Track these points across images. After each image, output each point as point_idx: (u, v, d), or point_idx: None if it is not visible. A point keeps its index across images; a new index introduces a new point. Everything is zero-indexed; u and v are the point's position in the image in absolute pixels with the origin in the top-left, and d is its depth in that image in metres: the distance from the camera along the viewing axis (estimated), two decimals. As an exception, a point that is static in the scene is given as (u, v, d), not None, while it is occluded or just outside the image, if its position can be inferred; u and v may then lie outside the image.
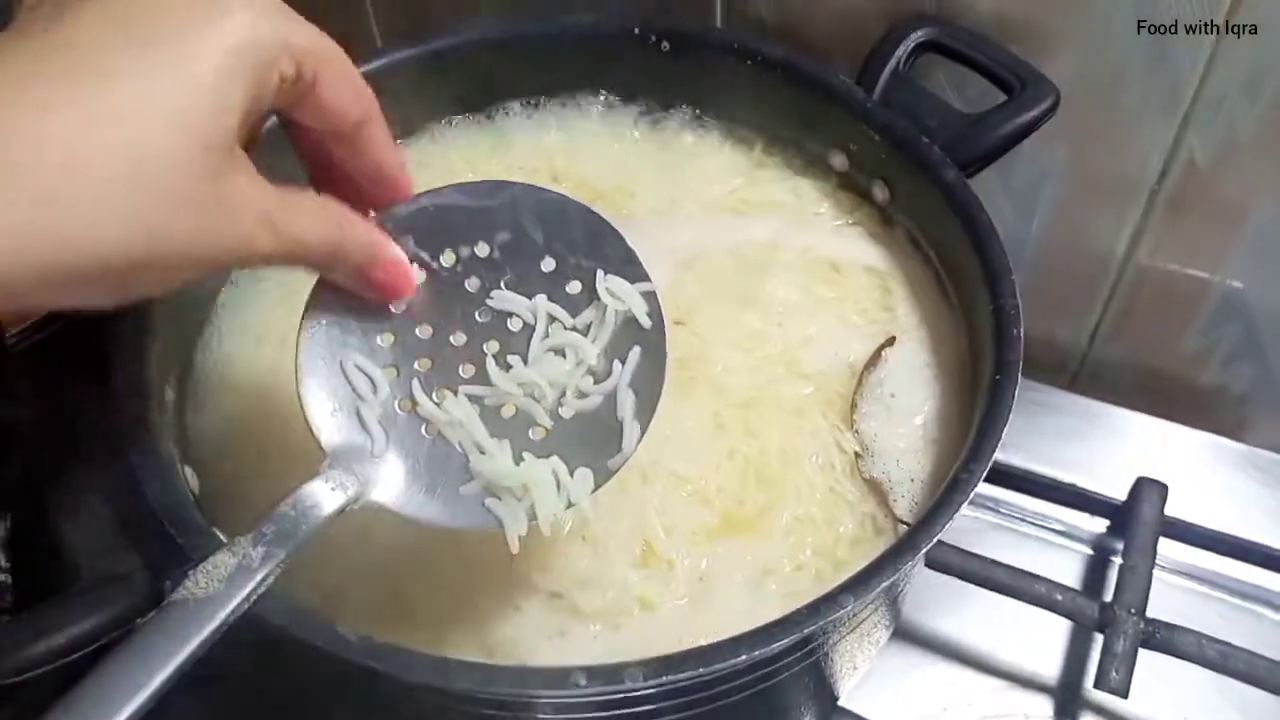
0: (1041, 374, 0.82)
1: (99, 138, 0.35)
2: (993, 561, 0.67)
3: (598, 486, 0.49)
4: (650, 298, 0.51)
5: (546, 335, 0.50)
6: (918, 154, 0.61)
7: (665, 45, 0.68)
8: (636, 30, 0.68)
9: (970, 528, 0.74)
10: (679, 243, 0.65)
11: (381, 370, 0.49)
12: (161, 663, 0.39)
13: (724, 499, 0.56)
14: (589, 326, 0.50)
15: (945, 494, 0.50)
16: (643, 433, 0.50)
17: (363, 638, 0.44)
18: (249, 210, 0.39)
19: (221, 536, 0.48)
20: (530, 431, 0.50)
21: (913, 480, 0.56)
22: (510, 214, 0.50)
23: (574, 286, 0.51)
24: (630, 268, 0.51)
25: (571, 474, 0.49)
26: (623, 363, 0.50)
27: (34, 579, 0.45)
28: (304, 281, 0.48)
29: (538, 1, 0.76)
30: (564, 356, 0.50)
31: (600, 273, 0.50)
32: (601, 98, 0.71)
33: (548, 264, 0.51)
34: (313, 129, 0.44)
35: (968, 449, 0.51)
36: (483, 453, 0.48)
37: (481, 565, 0.54)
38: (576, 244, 0.51)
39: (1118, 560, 0.70)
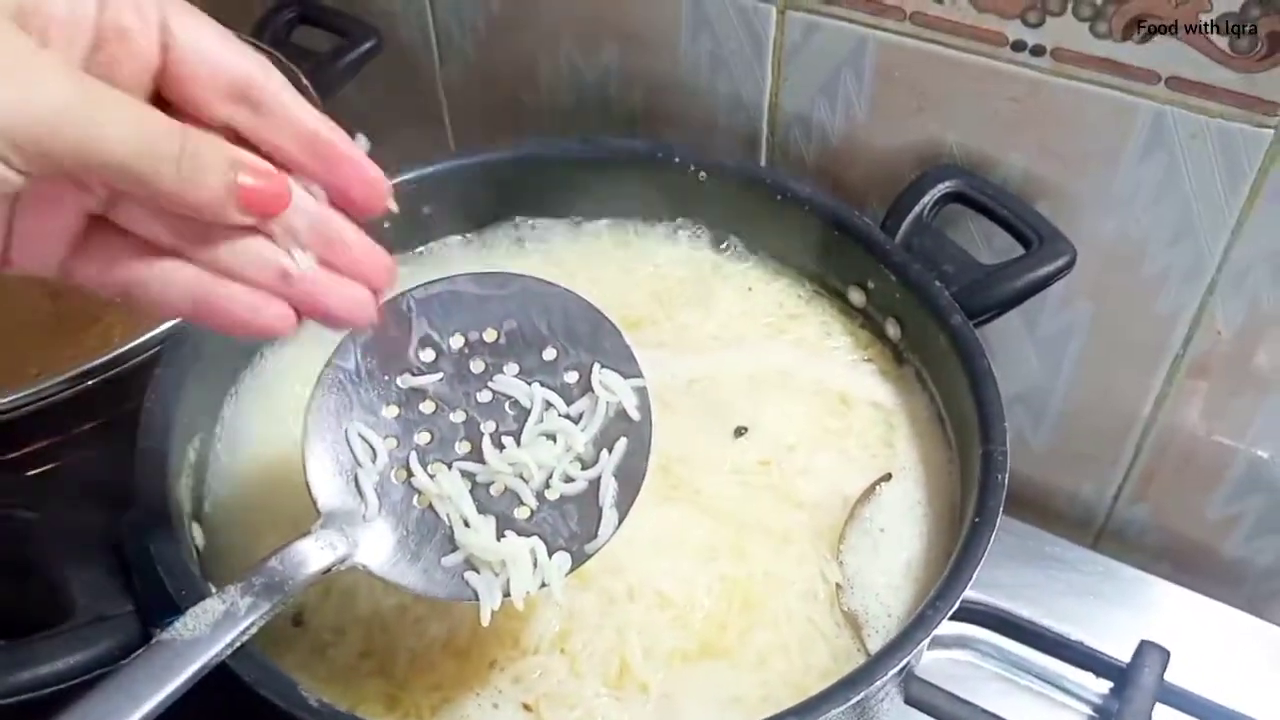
0: (1064, 529, 0.81)
1: None
2: (981, 709, 0.67)
3: (573, 569, 0.52)
4: (641, 393, 0.54)
5: (541, 420, 0.53)
6: (928, 296, 0.63)
7: (702, 175, 0.71)
8: (677, 159, 0.71)
9: (968, 675, 0.73)
10: (694, 364, 0.68)
11: (383, 440, 0.52)
12: (144, 698, 0.42)
13: (707, 624, 0.57)
14: (581, 415, 0.53)
15: (907, 630, 0.50)
16: (620, 521, 0.52)
17: (323, 703, 0.46)
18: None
19: (213, 589, 0.50)
20: (516, 510, 0.52)
21: (889, 616, 0.57)
22: (518, 304, 0.54)
23: (571, 376, 0.54)
24: (625, 363, 0.54)
25: (551, 555, 0.51)
26: (609, 452, 0.53)
27: (31, 611, 0.48)
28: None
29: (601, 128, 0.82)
30: (554, 441, 0.53)
31: (597, 366, 0.54)
32: (641, 221, 0.75)
33: (549, 353, 0.54)
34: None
35: (937, 588, 0.52)
36: (468, 526, 0.51)
37: (469, 651, 0.55)
38: (577, 337, 0.54)
39: (1114, 724, 0.69)
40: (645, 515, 0.59)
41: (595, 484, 0.53)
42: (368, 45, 0.86)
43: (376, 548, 0.50)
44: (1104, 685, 0.73)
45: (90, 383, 0.61)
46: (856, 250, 0.68)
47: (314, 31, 0.88)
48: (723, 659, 0.56)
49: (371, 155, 0.44)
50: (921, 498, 0.62)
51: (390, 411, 0.53)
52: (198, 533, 0.57)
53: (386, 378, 0.53)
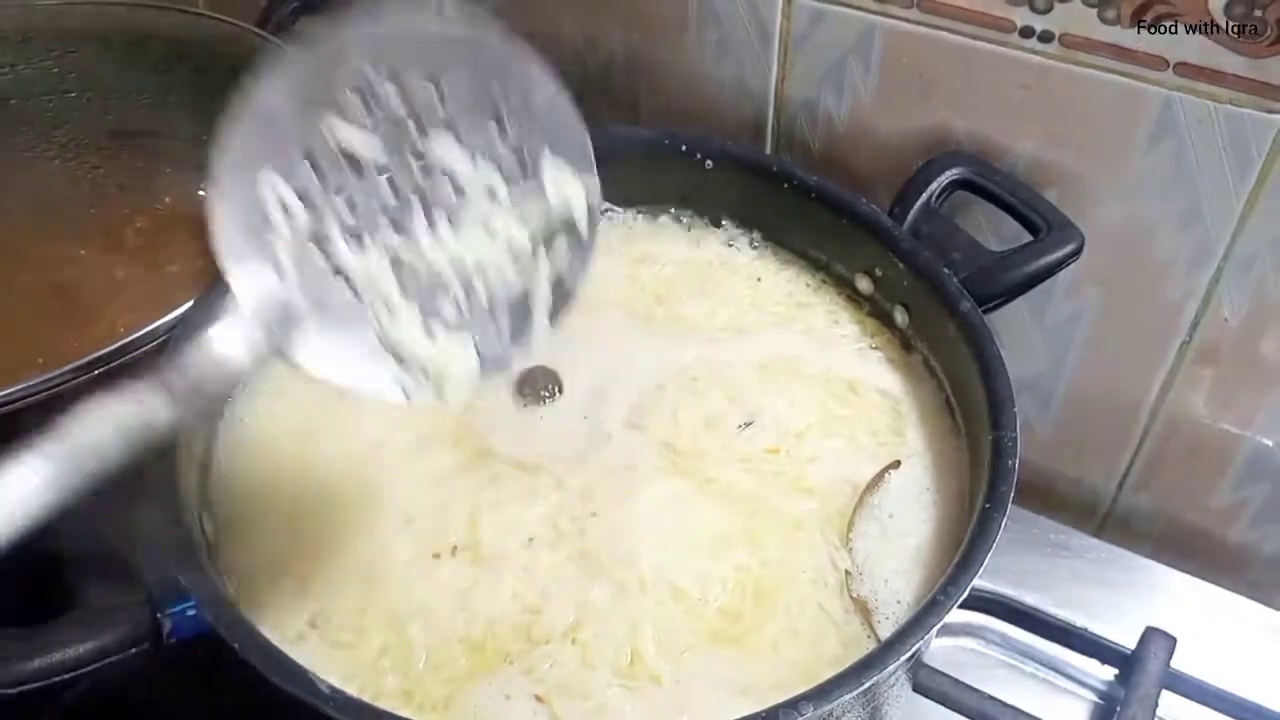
0: (1069, 516, 0.82)
1: None
2: (989, 696, 0.67)
3: (496, 373, 0.48)
4: (592, 196, 0.48)
5: (479, 206, 0.47)
6: (937, 283, 0.63)
7: (709, 163, 0.71)
8: (683, 147, 0.71)
9: (973, 662, 0.73)
10: (704, 353, 0.68)
11: (299, 200, 0.45)
12: (51, 493, 0.40)
13: (720, 615, 0.56)
14: (522, 209, 0.48)
15: (918, 616, 0.50)
16: (553, 327, 0.48)
17: (336, 690, 0.46)
18: None
19: (224, 580, 0.50)
20: (442, 303, 0.47)
21: (899, 602, 0.57)
22: (476, 59, 0.46)
23: (518, 163, 0.47)
24: (579, 158, 0.48)
25: (480, 359, 0.47)
26: (548, 253, 0.48)
27: (42, 600, 0.48)
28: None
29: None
30: (492, 235, 0.47)
31: (548, 154, 0.47)
32: (647, 210, 0.75)
33: (496, 129, 0.47)
34: None
35: (948, 574, 0.52)
36: (391, 313, 0.46)
37: (483, 645, 0.55)
38: (534, 114, 0.47)
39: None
40: (655, 503, 0.59)
41: (528, 288, 0.48)
42: (370, 34, 0.85)
43: (299, 335, 0.45)
44: (1109, 672, 0.73)
45: (96, 372, 0.60)
46: (864, 238, 0.67)
47: (317, 21, 0.88)
48: (734, 647, 0.56)
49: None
50: (930, 484, 0.62)
51: (309, 167, 0.45)
52: (207, 522, 0.57)
53: (309, 123, 0.45)
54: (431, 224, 0.47)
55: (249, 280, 0.44)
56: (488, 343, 0.48)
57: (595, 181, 0.49)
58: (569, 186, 0.48)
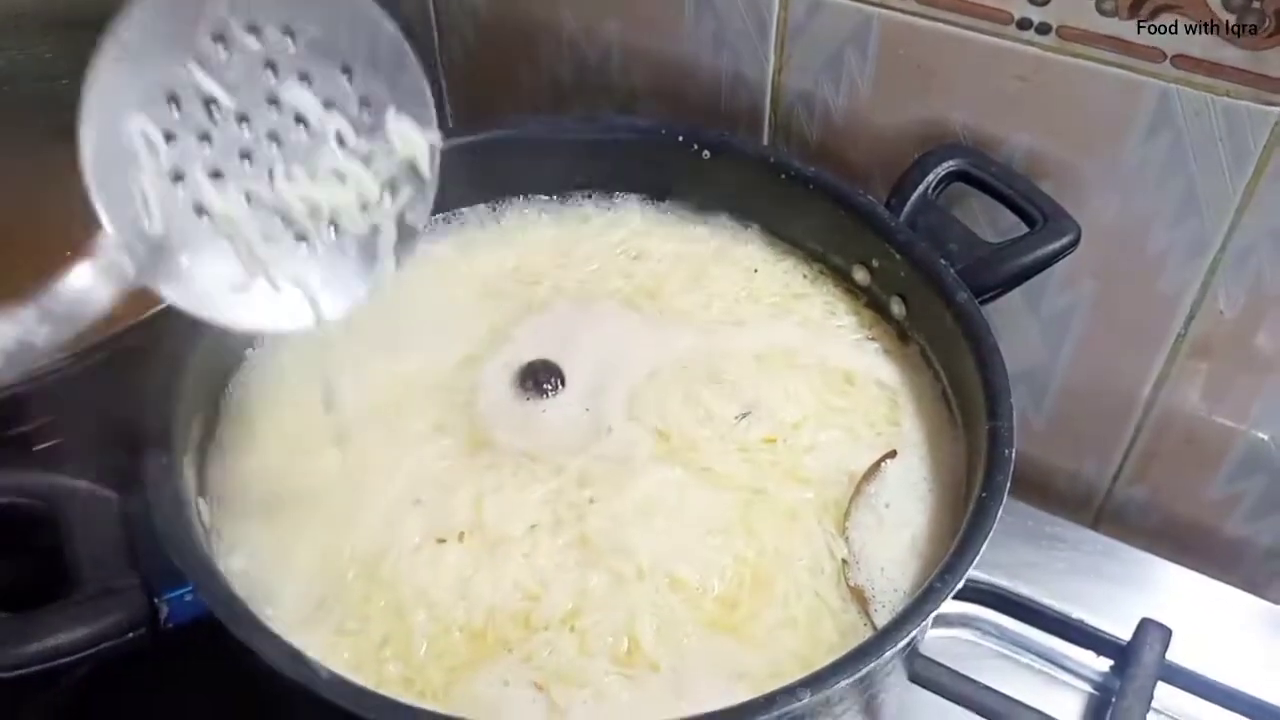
0: (1065, 509, 0.82)
1: None
2: (985, 687, 0.67)
3: (347, 310, 0.52)
4: (433, 150, 0.52)
5: (333, 154, 0.50)
6: (934, 274, 0.63)
7: (706, 154, 0.71)
8: (680, 137, 0.71)
9: (969, 653, 0.73)
10: (701, 343, 0.68)
11: (163, 139, 0.47)
12: None
13: (718, 604, 0.56)
14: (370, 155, 0.51)
15: (915, 604, 0.50)
16: (396, 266, 0.52)
17: (335, 676, 0.46)
18: None
19: (217, 563, 0.50)
20: (296, 244, 0.51)
21: (896, 591, 0.57)
22: (328, 11, 0.49)
23: (365, 112, 0.51)
24: (421, 109, 0.51)
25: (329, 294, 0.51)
26: (392, 197, 0.51)
27: (38, 585, 0.48)
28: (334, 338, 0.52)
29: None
30: (342, 180, 0.51)
31: (393, 110, 0.51)
32: (643, 199, 0.75)
33: (345, 79, 0.50)
34: None
35: (945, 562, 0.52)
36: (252, 254, 0.49)
37: (484, 634, 0.55)
38: (379, 67, 0.50)
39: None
40: (653, 493, 0.59)
41: (374, 229, 0.52)
42: (367, 24, 0.85)
43: (165, 269, 0.47)
44: (1105, 664, 0.73)
45: (95, 358, 0.60)
46: (861, 229, 0.68)
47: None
48: (731, 635, 0.56)
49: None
50: (926, 474, 0.62)
51: (171, 106, 0.47)
52: (204, 508, 0.57)
53: (171, 61, 0.47)
54: (287, 168, 0.50)
55: (118, 213, 0.46)
56: (338, 281, 0.51)
57: (436, 133, 0.52)
58: (414, 140, 0.51)
